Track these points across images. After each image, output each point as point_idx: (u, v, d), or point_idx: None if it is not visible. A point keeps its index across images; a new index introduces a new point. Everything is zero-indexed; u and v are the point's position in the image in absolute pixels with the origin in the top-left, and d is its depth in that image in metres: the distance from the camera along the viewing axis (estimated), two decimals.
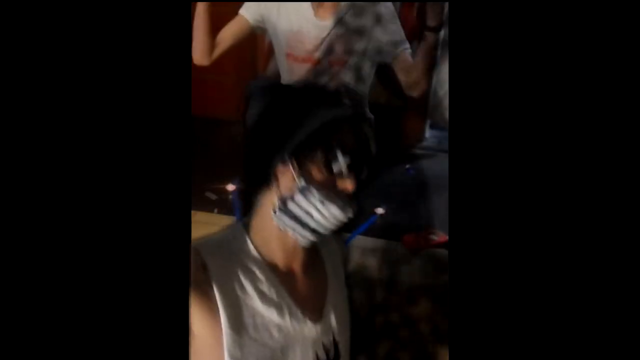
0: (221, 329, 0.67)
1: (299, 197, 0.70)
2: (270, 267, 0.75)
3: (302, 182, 0.70)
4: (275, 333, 0.71)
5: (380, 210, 1.72)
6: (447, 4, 1.31)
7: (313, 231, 0.71)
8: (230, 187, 1.88)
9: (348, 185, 0.71)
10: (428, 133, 2.29)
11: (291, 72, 1.72)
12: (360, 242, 1.58)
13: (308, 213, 0.70)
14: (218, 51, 1.57)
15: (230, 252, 0.74)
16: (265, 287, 0.72)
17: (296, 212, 0.70)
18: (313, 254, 0.82)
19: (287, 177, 0.71)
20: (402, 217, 1.71)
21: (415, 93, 1.54)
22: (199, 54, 1.52)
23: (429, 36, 1.37)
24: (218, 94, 2.34)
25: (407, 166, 2.06)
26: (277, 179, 0.72)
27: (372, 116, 1.84)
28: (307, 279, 0.79)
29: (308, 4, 1.59)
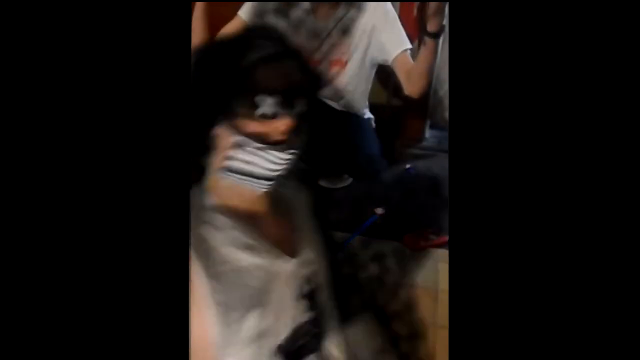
0: (200, 279, 0.68)
1: (236, 152, 0.71)
2: (236, 213, 0.76)
3: (235, 137, 0.71)
4: (256, 272, 0.72)
5: (380, 210, 1.72)
6: (447, 7, 1.31)
7: (265, 178, 0.73)
8: None
9: (280, 125, 0.70)
10: (428, 133, 2.29)
11: None
12: (361, 242, 1.58)
13: (250, 163, 0.71)
14: None
15: (195, 210, 0.74)
16: (234, 232, 0.73)
17: (239, 166, 0.72)
18: (276, 197, 0.82)
19: (224, 136, 0.72)
20: (402, 217, 1.71)
21: (415, 95, 1.54)
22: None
23: (429, 42, 1.38)
24: None
25: (407, 166, 2.06)
26: (217, 140, 0.73)
27: (372, 116, 1.86)
28: (275, 220, 0.80)
29: (307, 4, 1.58)
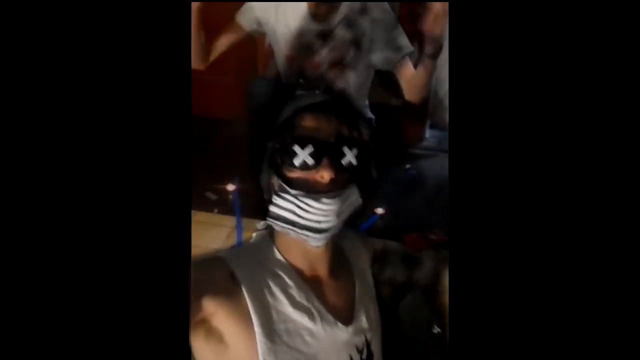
0: (255, 337, 0.66)
1: (276, 199, 0.70)
2: (297, 272, 0.74)
3: (276, 183, 0.70)
4: (307, 338, 0.71)
5: (380, 210, 1.72)
6: (446, 30, 1.31)
7: (310, 229, 0.70)
8: (230, 187, 1.88)
9: (323, 175, 0.69)
10: (428, 133, 2.29)
11: (291, 73, 1.72)
12: None
13: (290, 211, 0.69)
14: (213, 56, 1.57)
15: (257, 260, 0.74)
16: (294, 291, 0.72)
17: (279, 213, 0.70)
18: (337, 255, 0.80)
19: (274, 184, 0.72)
20: (402, 217, 1.71)
21: (415, 102, 1.55)
22: (194, 58, 1.52)
23: (427, 62, 1.38)
24: (218, 94, 2.34)
25: (407, 166, 2.06)
26: (273, 188, 0.73)
27: (372, 116, 1.86)
28: (334, 282, 0.78)
29: (306, 5, 1.58)
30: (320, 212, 0.69)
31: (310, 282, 0.75)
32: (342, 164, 0.70)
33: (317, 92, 0.73)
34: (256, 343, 0.66)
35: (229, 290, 0.67)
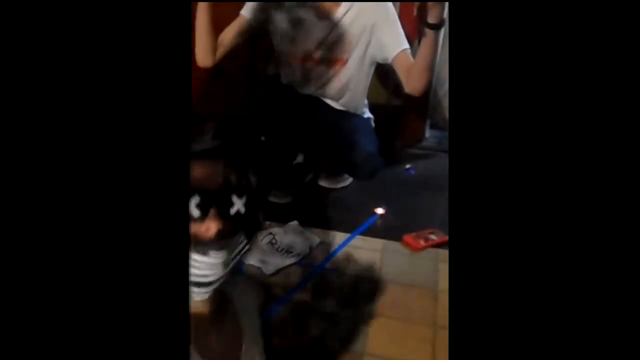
0: None
1: None
2: None
3: None
4: None
5: (380, 210, 1.73)
6: (447, 2, 1.31)
7: (195, 284, 0.66)
8: None
9: (209, 227, 0.65)
10: (428, 133, 2.29)
11: (292, 71, 1.72)
12: (360, 242, 1.58)
13: None
14: (221, 52, 1.56)
15: None
16: None
17: None
18: (222, 306, 0.76)
19: None
20: (402, 217, 1.71)
21: (415, 92, 1.54)
22: (203, 55, 1.52)
23: (429, 34, 1.37)
24: (218, 94, 2.34)
25: (407, 166, 2.06)
26: None
27: (371, 116, 1.86)
28: (217, 335, 0.74)
29: (309, 3, 1.59)
30: (206, 266, 0.65)
31: (191, 333, 0.68)
32: (229, 214, 0.66)
33: (205, 138, 0.68)
34: None
35: None
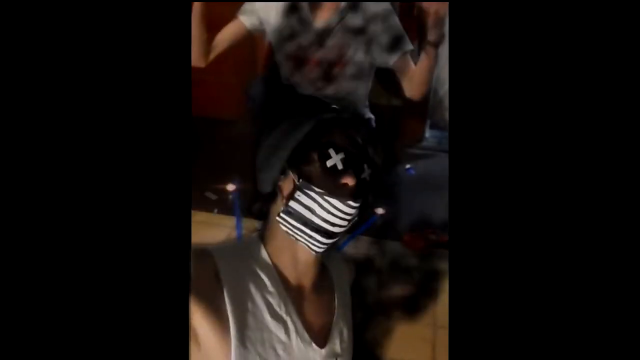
0: (229, 341, 0.65)
1: (298, 194, 0.70)
2: (282, 280, 0.74)
3: (300, 181, 0.71)
4: (280, 352, 0.70)
5: (380, 210, 1.72)
6: (447, 17, 1.31)
7: (321, 231, 0.70)
8: (230, 187, 1.88)
9: (347, 179, 0.71)
10: (428, 133, 2.29)
11: (291, 73, 1.72)
12: (360, 242, 1.58)
13: (309, 209, 0.70)
14: (214, 53, 1.57)
15: (244, 259, 0.73)
16: (275, 301, 0.72)
17: (298, 209, 0.70)
18: (323, 273, 0.81)
19: (289, 183, 0.73)
20: (402, 217, 1.71)
21: (415, 98, 1.55)
22: (195, 56, 1.52)
23: (429, 50, 1.38)
24: (218, 94, 2.34)
25: (407, 166, 2.06)
26: (280, 189, 0.74)
27: (372, 116, 1.86)
28: (316, 299, 0.78)
29: (307, 5, 1.58)
30: (340, 214, 0.70)
31: (292, 293, 0.74)
32: (360, 178, 0.73)
33: (349, 112, 0.79)
34: (229, 347, 0.65)
35: (211, 290, 0.66)
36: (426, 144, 2.26)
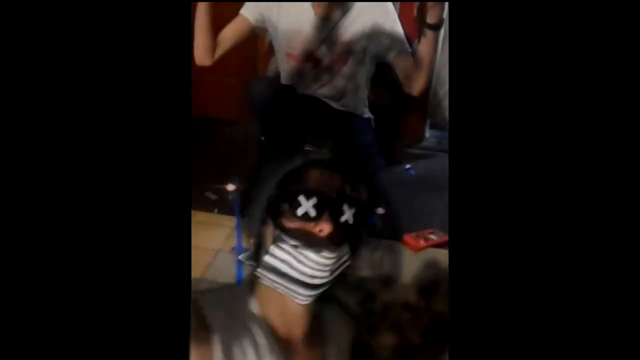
0: None
1: (272, 248, 0.68)
2: (272, 330, 0.72)
3: (275, 232, 0.69)
4: None
5: (380, 210, 1.72)
6: (446, 2, 1.31)
7: (301, 284, 0.68)
8: (230, 187, 1.88)
9: (323, 228, 0.68)
10: (428, 133, 2.29)
11: (291, 72, 1.72)
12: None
13: (286, 262, 0.67)
14: (220, 51, 1.56)
15: (232, 308, 0.72)
16: (265, 352, 0.69)
17: (273, 263, 0.68)
18: (316, 326, 0.77)
19: (269, 233, 0.70)
20: (402, 217, 1.71)
21: (415, 92, 1.54)
22: (201, 54, 1.52)
23: (429, 33, 1.37)
24: (218, 94, 2.34)
25: (407, 166, 2.06)
26: (265, 239, 0.71)
27: (372, 116, 1.86)
28: (306, 351, 0.75)
29: (308, 3, 1.59)
30: (316, 266, 0.67)
31: (283, 346, 0.71)
32: (339, 221, 0.69)
33: (324, 150, 0.76)
34: None
35: (197, 335, 0.65)
36: (426, 144, 2.26)
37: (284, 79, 1.75)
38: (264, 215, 0.71)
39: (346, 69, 1.68)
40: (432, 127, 2.29)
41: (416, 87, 1.52)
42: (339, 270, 0.71)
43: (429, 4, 1.30)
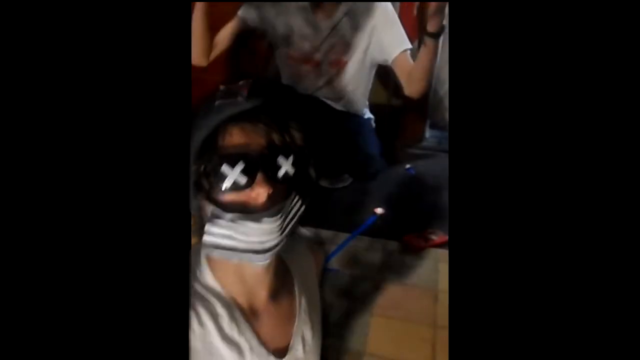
0: None
1: (209, 227, 0.61)
2: (231, 300, 0.68)
3: (210, 208, 0.62)
4: None
5: (380, 210, 1.72)
6: (446, 8, 1.31)
7: (253, 251, 0.62)
8: None
9: (259, 193, 0.61)
10: (428, 133, 2.29)
11: (291, 72, 1.72)
12: (360, 242, 1.58)
13: (227, 237, 0.61)
14: (216, 52, 1.57)
15: (194, 292, 0.67)
16: (225, 322, 0.66)
17: (214, 241, 0.62)
18: (278, 272, 0.73)
19: (207, 210, 0.63)
20: (402, 217, 1.70)
21: (415, 95, 1.54)
22: (197, 55, 1.52)
23: (429, 41, 1.37)
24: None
25: (407, 166, 2.06)
26: (202, 214, 0.65)
27: (372, 116, 1.86)
28: (273, 307, 0.73)
29: (307, 4, 1.58)
30: (263, 232, 0.61)
31: (245, 311, 0.69)
32: (277, 178, 0.62)
33: (239, 98, 0.62)
34: None
35: None
36: (426, 144, 2.25)
37: (284, 80, 1.75)
38: (196, 192, 0.63)
39: (346, 69, 1.68)
40: (432, 127, 2.29)
41: (416, 91, 1.52)
42: (293, 222, 0.65)
43: (429, 12, 1.30)
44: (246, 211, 0.61)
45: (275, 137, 0.63)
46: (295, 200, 0.65)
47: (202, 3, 1.43)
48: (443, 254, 1.53)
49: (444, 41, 1.38)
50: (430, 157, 2.16)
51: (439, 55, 1.41)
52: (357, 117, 1.80)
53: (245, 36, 1.63)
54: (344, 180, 1.89)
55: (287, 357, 0.72)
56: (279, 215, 0.62)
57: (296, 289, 0.77)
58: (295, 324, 0.75)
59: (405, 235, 1.59)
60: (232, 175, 0.60)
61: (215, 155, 0.61)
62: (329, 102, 1.76)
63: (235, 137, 0.61)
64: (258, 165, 0.61)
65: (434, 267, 1.50)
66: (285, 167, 0.63)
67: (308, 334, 0.77)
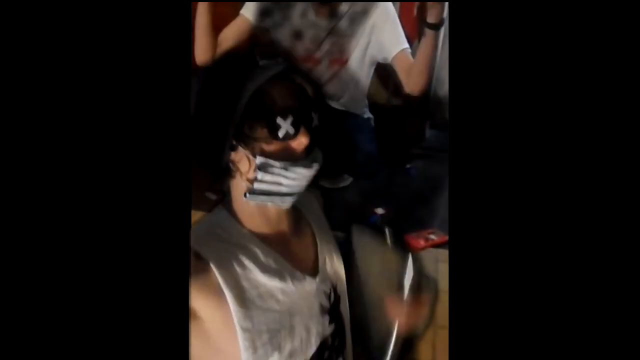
0: (229, 307, 0.69)
1: (261, 175, 0.70)
2: (262, 239, 0.77)
3: (258, 160, 0.70)
4: (280, 297, 0.74)
5: (380, 210, 1.72)
6: (446, 2, 1.31)
7: (289, 195, 0.73)
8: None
9: (302, 142, 0.71)
10: (428, 133, 2.29)
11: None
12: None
13: (276, 183, 0.71)
14: (220, 51, 1.57)
15: (220, 236, 0.75)
16: (262, 258, 0.75)
17: (265, 188, 0.71)
18: (295, 213, 0.84)
19: (243, 160, 0.72)
20: (402, 217, 1.70)
21: (415, 92, 1.54)
22: (201, 54, 1.52)
23: (429, 33, 1.37)
24: None
25: (407, 166, 2.06)
26: (235, 164, 0.73)
27: (371, 116, 1.86)
28: (296, 238, 0.83)
29: (309, 3, 1.59)
30: (304, 177, 0.72)
31: (275, 245, 0.78)
32: (312, 129, 0.72)
33: (279, 59, 0.72)
34: (230, 313, 0.69)
35: (196, 269, 0.68)
36: (426, 144, 2.25)
37: None
38: (232, 141, 0.70)
39: (346, 69, 1.68)
40: (432, 127, 2.29)
41: (416, 87, 1.52)
42: (316, 172, 0.75)
43: (429, 3, 1.30)
44: (290, 159, 0.71)
45: (310, 93, 0.73)
46: (318, 151, 0.76)
47: (205, 3, 1.43)
48: (443, 254, 1.53)
49: (444, 41, 1.38)
50: (430, 157, 2.15)
51: (439, 50, 1.41)
52: (356, 117, 1.80)
53: (248, 35, 1.63)
54: (344, 180, 1.88)
55: (319, 274, 0.82)
56: (318, 162, 0.73)
57: (310, 222, 0.88)
58: (318, 248, 0.85)
59: (405, 235, 1.58)
60: (285, 126, 0.69)
61: (269, 109, 0.69)
62: (328, 101, 1.75)
63: (281, 93, 0.70)
64: (302, 118, 0.71)
65: (434, 267, 1.50)
66: (315, 120, 0.73)
67: (330, 255, 0.88)
